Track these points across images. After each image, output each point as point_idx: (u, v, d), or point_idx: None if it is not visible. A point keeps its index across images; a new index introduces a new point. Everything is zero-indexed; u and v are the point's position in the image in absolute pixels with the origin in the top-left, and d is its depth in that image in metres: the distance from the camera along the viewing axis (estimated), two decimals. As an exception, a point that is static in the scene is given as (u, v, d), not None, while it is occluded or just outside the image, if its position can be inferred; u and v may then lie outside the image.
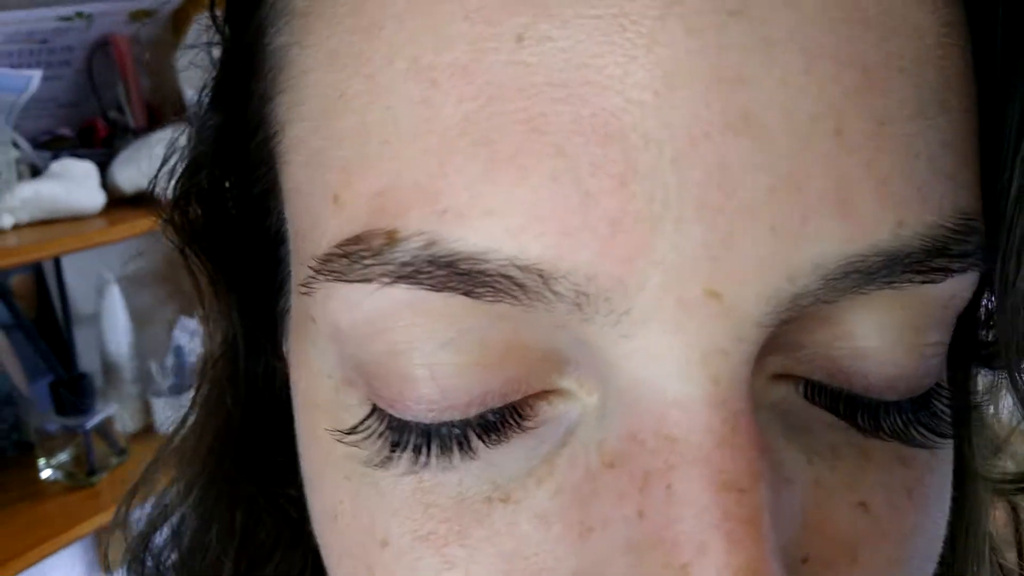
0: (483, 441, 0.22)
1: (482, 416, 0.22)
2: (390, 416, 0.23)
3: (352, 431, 0.24)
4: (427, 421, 0.22)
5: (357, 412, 0.24)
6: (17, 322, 1.34)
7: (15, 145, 1.21)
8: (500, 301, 0.20)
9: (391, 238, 0.20)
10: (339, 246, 0.21)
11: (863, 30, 0.19)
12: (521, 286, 0.19)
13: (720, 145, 0.18)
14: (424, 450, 0.22)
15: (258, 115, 0.26)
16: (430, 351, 0.21)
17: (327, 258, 0.22)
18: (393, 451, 0.23)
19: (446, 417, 0.22)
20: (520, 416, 0.22)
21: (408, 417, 0.22)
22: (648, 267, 0.19)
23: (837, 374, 0.22)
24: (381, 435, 0.23)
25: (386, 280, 0.20)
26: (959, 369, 0.26)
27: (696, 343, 0.19)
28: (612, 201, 0.18)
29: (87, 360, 1.47)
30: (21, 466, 1.34)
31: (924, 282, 0.20)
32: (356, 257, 0.21)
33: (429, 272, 0.20)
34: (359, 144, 0.21)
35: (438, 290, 0.20)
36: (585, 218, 0.19)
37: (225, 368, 0.34)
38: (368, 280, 0.21)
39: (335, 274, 0.22)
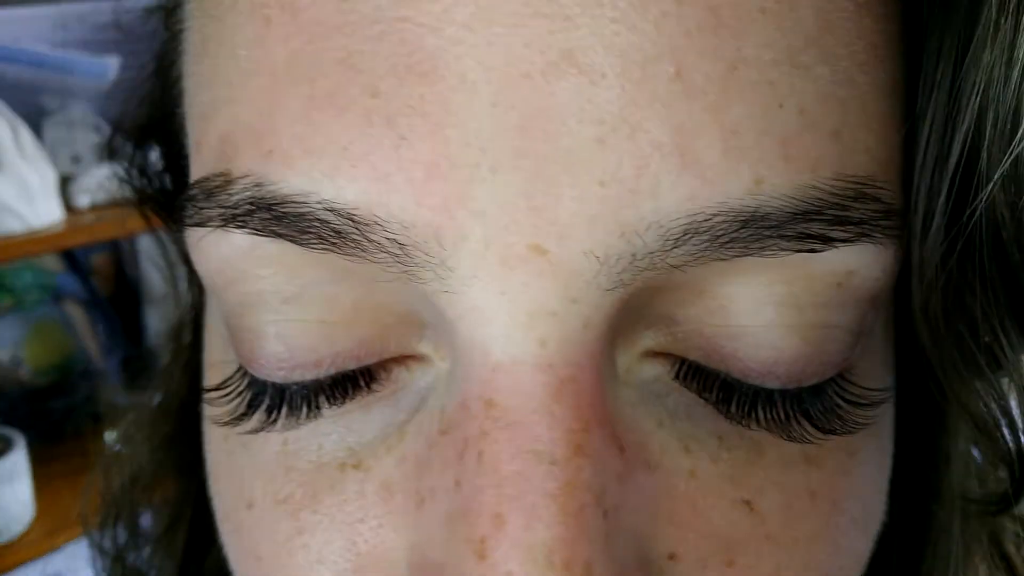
0: (331, 403, 0.21)
1: (334, 378, 0.21)
2: (251, 376, 0.22)
3: (216, 389, 0.23)
4: (279, 380, 0.21)
5: (227, 370, 0.23)
6: (94, 299, 1.40)
7: (97, 129, 1.28)
8: (327, 250, 0.19)
9: (225, 181, 0.20)
10: (185, 191, 0.21)
11: None
12: (338, 232, 0.18)
13: (542, 87, 0.17)
14: (275, 411, 0.22)
15: (174, 79, 0.26)
16: (276, 306, 0.21)
17: (179, 204, 0.21)
18: (248, 410, 0.22)
19: (296, 377, 0.21)
20: (373, 380, 0.21)
21: (262, 376, 0.22)
22: (467, 218, 0.17)
23: (713, 355, 0.20)
24: (240, 394, 0.22)
25: (216, 223, 0.20)
26: (932, 372, 0.23)
27: (522, 302, 0.18)
28: (426, 145, 0.17)
29: (158, 339, 1.53)
30: (97, 436, 1.41)
31: (799, 251, 0.18)
32: (194, 200, 0.20)
33: (252, 215, 0.19)
34: (213, 89, 0.21)
35: (264, 235, 0.19)
36: (399, 162, 0.18)
37: (188, 335, 0.35)
38: (201, 224, 0.20)
39: (185, 219, 0.21)
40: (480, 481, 0.18)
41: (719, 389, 0.20)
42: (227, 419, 0.22)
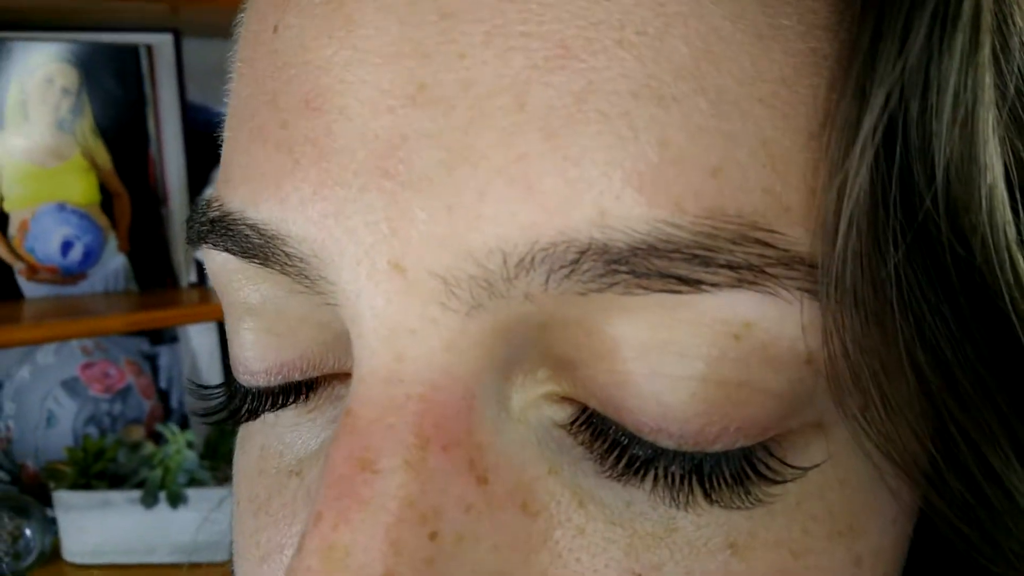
0: (271, 411, 0.24)
1: (282, 387, 0.23)
2: (233, 379, 0.25)
3: (215, 387, 0.26)
4: (244, 384, 0.24)
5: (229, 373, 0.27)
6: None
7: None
8: (260, 264, 0.21)
9: (206, 204, 0.23)
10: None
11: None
12: (258, 246, 0.21)
13: (401, 117, 0.18)
14: (238, 414, 0.25)
15: None
16: (241, 315, 0.24)
17: (188, 224, 0.25)
18: (224, 408, 0.25)
19: (252, 383, 0.24)
20: (313, 392, 0.23)
21: (237, 379, 0.25)
22: (342, 234, 0.19)
23: (607, 404, 0.19)
24: (226, 394, 0.26)
25: (194, 239, 0.24)
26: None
27: (385, 317, 0.19)
28: (314, 168, 0.19)
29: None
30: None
31: (660, 290, 0.17)
32: (191, 220, 0.24)
33: (212, 232, 0.22)
34: (226, 127, 0.25)
35: (221, 250, 0.22)
36: (295, 183, 0.20)
37: None
38: (190, 240, 0.24)
39: (188, 237, 0.25)
40: (319, 484, 0.19)
41: (611, 442, 0.19)
42: (208, 418, 0.26)
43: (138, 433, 1.22)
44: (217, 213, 0.22)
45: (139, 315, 1.07)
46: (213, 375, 1.28)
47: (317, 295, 0.21)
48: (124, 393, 1.24)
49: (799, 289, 0.18)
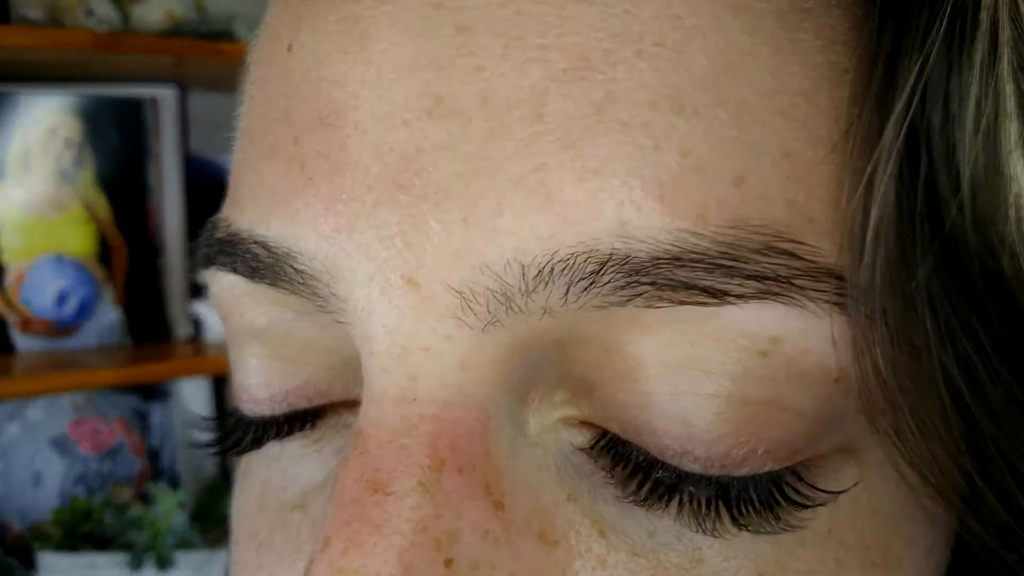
0: (275, 441, 0.23)
1: (287, 416, 0.22)
2: (236, 407, 0.24)
3: (213, 419, 0.25)
4: (247, 414, 0.23)
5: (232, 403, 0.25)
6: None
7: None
8: (268, 284, 0.20)
9: (213, 225, 0.22)
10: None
11: (584, 9, 0.17)
12: (267, 265, 0.20)
13: (417, 130, 0.18)
14: (240, 445, 0.23)
15: None
16: (245, 339, 0.23)
17: (196, 246, 0.24)
18: (225, 438, 0.24)
19: (256, 411, 0.23)
20: (320, 421, 0.22)
21: (240, 407, 0.23)
22: (355, 249, 0.18)
23: (629, 427, 0.18)
24: (229, 424, 0.24)
25: (203, 261, 0.23)
26: None
27: (399, 335, 0.18)
28: (327, 184, 0.19)
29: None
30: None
31: (683, 302, 0.17)
32: (199, 242, 0.23)
33: (220, 253, 0.22)
34: (236, 149, 0.24)
35: (229, 271, 0.21)
36: (306, 199, 0.19)
37: None
38: (199, 263, 0.23)
39: (196, 260, 0.24)
40: (327, 507, 0.18)
41: (633, 466, 0.18)
42: (211, 448, 0.24)
43: (127, 493, 1.19)
44: (225, 233, 0.21)
45: (132, 369, 1.05)
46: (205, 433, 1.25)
47: (327, 315, 0.20)
48: (114, 451, 1.21)
49: (827, 302, 0.17)
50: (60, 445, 1.19)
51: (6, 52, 0.95)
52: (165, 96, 1.12)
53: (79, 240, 1.10)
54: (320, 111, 0.19)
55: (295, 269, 0.19)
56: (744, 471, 0.18)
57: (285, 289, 0.20)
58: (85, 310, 1.13)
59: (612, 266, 0.17)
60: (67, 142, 1.08)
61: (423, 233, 0.18)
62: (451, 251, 0.17)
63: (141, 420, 1.24)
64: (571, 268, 0.17)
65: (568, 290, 0.17)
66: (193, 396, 1.24)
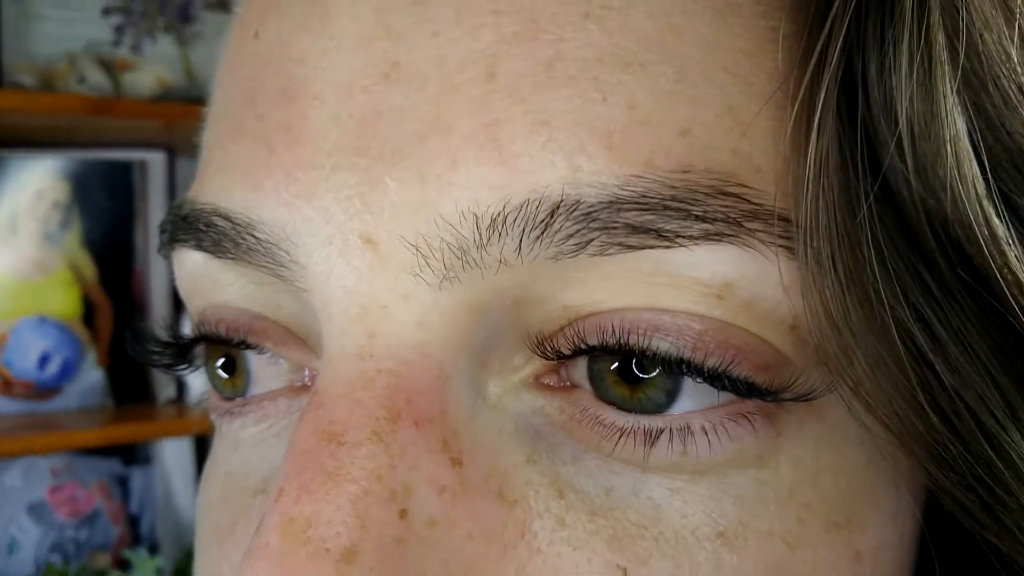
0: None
1: (242, 340, 0.23)
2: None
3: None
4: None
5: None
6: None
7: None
8: (229, 257, 0.21)
9: (179, 204, 0.23)
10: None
11: None
12: (227, 235, 0.21)
13: (374, 96, 0.19)
14: (188, 352, 0.25)
15: None
16: (201, 310, 0.24)
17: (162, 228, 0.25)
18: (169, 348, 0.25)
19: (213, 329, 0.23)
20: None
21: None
22: (313, 213, 0.19)
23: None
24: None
25: (166, 243, 0.23)
26: None
27: (357, 295, 0.19)
28: (288, 154, 0.20)
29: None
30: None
31: (633, 247, 0.17)
32: (164, 226, 0.24)
33: (183, 229, 0.22)
34: (203, 138, 0.25)
35: (191, 246, 0.22)
36: (268, 170, 0.20)
37: None
38: (162, 246, 0.24)
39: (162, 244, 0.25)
40: (282, 461, 0.18)
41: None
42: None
43: (104, 560, 1.16)
44: (189, 209, 0.22)
45: (113, 429, 1.04)
46: (188, 498, 1.23)
47: (288, 286, 0.20)
48: (92, 518, 1.19)
49: (777, 246, 0.18)
50: (37, 511, 1.16)
51: (-2, 116, 0.97)
52: (154, 160, 1.14)
53: (63, 301, 1.11)
54: (283, 87, 0.20)
55: (256, 238, 0.20)
56: (713, 361, 0.18)
57: (246, 261, 0.21)
58: (67, 372, 1.12)
59: (563, 212, 0.17)
60: (54, 204, 1.09)
61: (380, 192, 0.18)
62: (408, 206, 0.18)
63: (121, 485, 1.22)
64: (523, 216, 0.18)
65: (521, 240, 0.18)
66: (176, 457, 1.22)
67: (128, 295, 1.15)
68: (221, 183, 0.21)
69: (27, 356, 1.10)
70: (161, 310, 1.15)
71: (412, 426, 0.18)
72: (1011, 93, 0.18)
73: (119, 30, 1.15)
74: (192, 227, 0.22)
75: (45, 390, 1.11)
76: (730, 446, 0.18)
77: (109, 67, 1.06)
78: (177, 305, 1.17)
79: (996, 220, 0.17)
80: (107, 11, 1.14)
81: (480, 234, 0.18)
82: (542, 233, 0.18)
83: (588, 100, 0.18)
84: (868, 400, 0.18)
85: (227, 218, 0.21)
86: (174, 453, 1.22)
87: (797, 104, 0.18)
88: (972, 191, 0.17)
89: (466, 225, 0.18)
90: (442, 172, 0.18)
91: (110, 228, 1.13)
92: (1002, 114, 0.18)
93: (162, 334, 0.25)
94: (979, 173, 0.17)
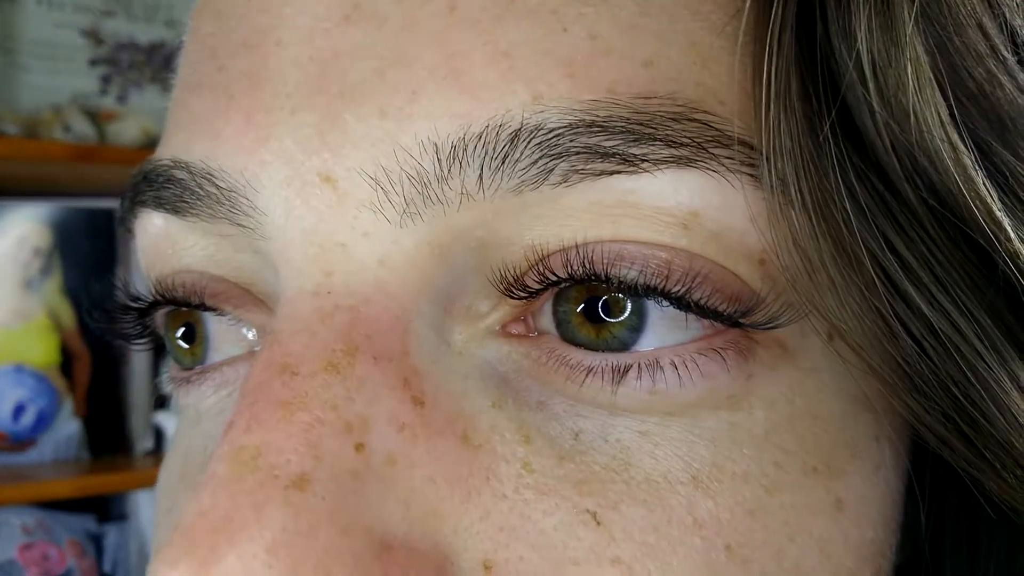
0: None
1: (201, 304, 0.23)
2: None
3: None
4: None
5: None
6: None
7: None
8: (195, 214, 0.21)
9: (140, 168, 0.23)
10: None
11: None
12: (187, 188, 0.20)
13: (335, 36, 0.19)
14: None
15: None
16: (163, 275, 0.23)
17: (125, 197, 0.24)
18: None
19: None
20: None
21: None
22: (270, 156, 0.19)
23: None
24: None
25: (126, 205, 0.23)
26: None
27: (316, 235, 0.18)
28: (247, 100, 0.19)
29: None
30: None
31: (596, 174, 0.17)
32: (125, 193, 0.23)
33: (143, 190, 0.22)
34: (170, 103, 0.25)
35: (152, 206, 0.22)
36: (227, 118, 0.20)
37: None
38: (124, 214, 0.23)
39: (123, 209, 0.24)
40: (237, 397, 0.18)
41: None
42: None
43: (74, 623, 1.12)
44: (150, 166, 0.22)
45: (88, 479, 1.01)
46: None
47: (248, 237, 0.20)
48: (63, 578, 1.15)
49: (743, 173, 0.17)
50: (6, 571, 1.12)
51: (-19, 165, 0.97)
52: (137, 208, 1.14)
53: (41, 350, 1.09)
54: (244, 38, 0.20)
55: (217, 187, 0.20)
56: (679, 288, 0.18)
57: (208, 214, 0.20)
58: (43, 422, 1.10)
59: (524, 138, 0.17)
60: (36, 251, 1.09)
61: (340, 130, 0.18)
62: (367, 141, 0.18)
63: (95, 543, 1.18)
64: (484, 144, 0.17)
65: (483, 170, 0.17)
66: (152, 512, 1.19)
67: (107, 344, 1.14)
68: (182, 138, 0.21)
69: (1, 406, 1.08)
70: (140, 358, 1.14)
71: (371, 360, 0.18)
72: (964, 21, 0.18)
73: (105, 80, 1.16)
74: (152, 184, 0.21)
75: (19, 442, 1.09)
76: (702, 384, 0.18)
77: (94, 117, 1.07)
78: (158, 351, 1.15)
79: (961, 145, 0.17)
80: (94, 62, 1.16)
81: (440, 164, 0.18)
82: (503, 162, 0.17)
83: (549, 31, 0.18)
84: (841, 330, 0.17)
85: (187, 169, 0.20)
86: (151, 508, 1.19)
87: (753, 28, 0.18)
88: (936, 117, 0.17)
89: (426, 156, 0.18)
90: (402, 104, 0.18)
91: (91, 274, 1.12)
92: (957, 45, 0.18)
93: (121, 297, 0.24)
94: (942, 100, 0.17)
